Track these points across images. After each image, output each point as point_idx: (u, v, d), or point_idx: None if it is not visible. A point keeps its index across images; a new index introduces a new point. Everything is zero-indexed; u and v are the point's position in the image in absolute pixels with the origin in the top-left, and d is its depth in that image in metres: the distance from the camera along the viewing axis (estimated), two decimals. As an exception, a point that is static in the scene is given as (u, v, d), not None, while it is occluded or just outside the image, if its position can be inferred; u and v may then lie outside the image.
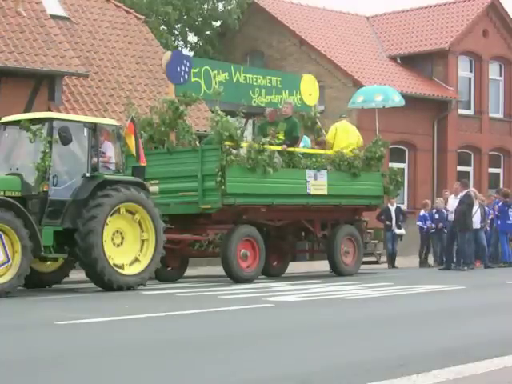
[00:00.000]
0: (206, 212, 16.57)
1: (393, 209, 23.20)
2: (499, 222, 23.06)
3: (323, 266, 20.73)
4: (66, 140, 13.91)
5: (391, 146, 27.48)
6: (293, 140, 17.94)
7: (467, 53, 33.00)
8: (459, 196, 21.85)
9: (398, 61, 32.81)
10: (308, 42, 31.43)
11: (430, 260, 23.54)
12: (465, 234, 21.06)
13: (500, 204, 23.25)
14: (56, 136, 13.90)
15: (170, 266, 17.79)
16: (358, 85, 28.21)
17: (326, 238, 18.99)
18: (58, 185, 14.04)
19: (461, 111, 32.59)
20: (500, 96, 34.30)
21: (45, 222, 13.87)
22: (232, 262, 16.42)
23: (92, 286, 14.85)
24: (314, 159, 18.02)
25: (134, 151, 15.15)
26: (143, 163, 15.26)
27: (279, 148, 17.54)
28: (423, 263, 23.56)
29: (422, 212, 23.89)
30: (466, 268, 21.08)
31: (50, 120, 14.22)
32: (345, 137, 18.89)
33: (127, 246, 14.63)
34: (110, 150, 14.99)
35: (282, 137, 17.76)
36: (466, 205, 20.91)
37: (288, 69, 30.63)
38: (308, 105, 19.79)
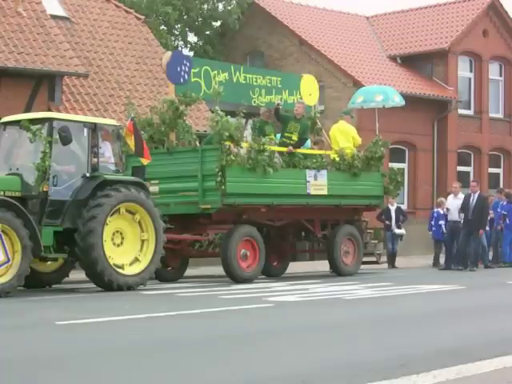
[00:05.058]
0: (206, 212, 16.58)
1: (393, 209, 23.15)
2: (508, 222, 22.97)
3: (323, 265, 20.72)
4: (66, 140, 13.91)
5: (391, 146, 27.44)
6: (302, 141, 17.99)
7: (467, 53, 33.00)
8: (458, 196, 21.83)
9: (398, 61, 32.81)
10: (308, 42, 31.43)
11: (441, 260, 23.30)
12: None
13: (505, 203, 23.17)
14: (56, 136, 13.90)
15: (170, 266, 17.79)
16: (358, 85, 28.20)
17: (326, 238, 18.99)
18: (58, 185, 14.04)
19: (461, 111, 32.58)
20: (500, 96, 34.29)
21: (45, 222, 13.86)
22: (232, 262, 16.42)
23: (92, 286, 14.84)
24: (314, 159, 18.02)
25: (134, 150, 15.16)
26: (148, 159, 15.26)
27: (284, 149, 17.55)
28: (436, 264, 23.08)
29: (441, 211, 23.31)
30: (475, 268, 21.12)
31: (50, 120, 14.22)
32: (335, 143, 18.90)
33: (127, 245, 14.63)
34: (110, 150, 14.99)
35: (295, 138, 17.76)
36: (486, 205, 21.26)
37: (288, 69, 30.61)
38: (308, 105, 19.78)
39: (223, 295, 13.51)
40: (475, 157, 33.35)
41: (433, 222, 23.07)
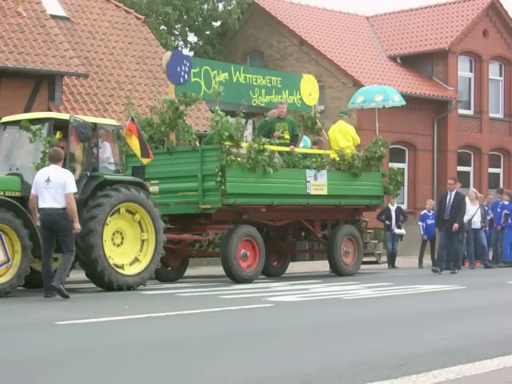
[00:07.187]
0: (206, 212, 16.58)
1: (393, 209, 23.16)
2: (510, 221, 22.93)
3: (323, 266, 20.72)
4: (84, 137, 13.95)
5: (391, 146, 27.49)
6: (295, 138, 18.02)
7: (467, 53, 33.01)
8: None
9: (398, 61, 32.83)
10: (308, 42, 31.44)
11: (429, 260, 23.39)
12: (461, 234, 20.90)
13: (506, 203, 23.11)
14: (72, 132, 13.93)
15: (169, 266, 17.79)
16: (358, 85, 28.22)
17: (326, 238, 18.99)
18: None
19: (461, 111, 32.60)
20: (500, 96, 34.32)
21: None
22: (232, 262, 16.42)
23: (92, 286, 14.85)
24: (314, 159, 18.02)
25: (135, 151, 15.15)
26: (151, 158, 15.28)
27: (287, 149, 17.54)
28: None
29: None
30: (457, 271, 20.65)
31: (50, 120, 14.22)
32: (334, 143, 18.88)
33: (127, 245, 14.63)
34: (110, 150, 14.99)
35: (287, 136, 17.76)
36: (463, 203, 20.13)
37: (288, 69, 30.65)
38: (308, 105, 19.80)
39: (223, 295, 13.50)
40: (475, 157, 33.37)
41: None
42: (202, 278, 18.83)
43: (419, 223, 23.35)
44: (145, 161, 15.30)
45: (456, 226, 19.64)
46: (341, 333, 8.90)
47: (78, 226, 12.95)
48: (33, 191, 13.15)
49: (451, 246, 19.91)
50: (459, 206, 19.88)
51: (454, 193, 19.99)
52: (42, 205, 12.94)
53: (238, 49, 33.47)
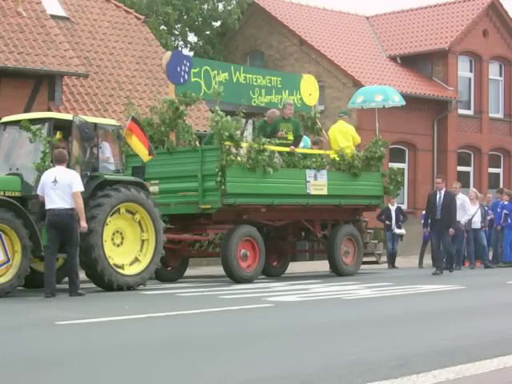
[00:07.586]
0: (206, 212, 16.58)
1: (393, 209, 23.17)
2: (509, 221, 22.92)
3: (323, 266, 20.71)
4: (88, 137, 13.97)
5: (391, 146, 27.50)
6: (298, 139, 18.04)
7: (467, 53, 33.02)
8: (458, 196, 21.65)
9: (398, 61, 32.83)
10: (308, 42, 31.45)
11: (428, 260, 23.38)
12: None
13: (506, 203, 23.10)
14: (77, 131, 13.96)
15: (169, 266, 17.79)
16: (358, 85, 28.22)
17: (326, 238, 18.99)
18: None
19: (461, 111, 32.61)
20: (500, 96, 34.32)
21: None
22: (232, 262, 16.42)
23: (92, 285, 14.85)
24: (314, 159, 18.02)
25: (136, 150, 15.16)
26: (154, 156, 15.30)
27: (287, 149, 17.54)
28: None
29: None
30: (455, 266, 20.57)
31: (50, 120, 14.22)
32: (334, 143, 18.86)
33: (127, 245, 14.63)
34: (110, 150, 14.99)
35: (291, 137, 17.77)
36: (454, 202, 19.67)
37: (288, 69, 30.66)
38: (308, 105, 19.80)
39: (223, 295, 13.50)
40: (475, 157, 33.38)
41: None
42: (202, 278, 18.83)
43: (422, 222, 23.21)
44: (146, 159, 15.31)
45: (452, 231, 19.41)
46: (341, 333, 8.90)
47: (84, 224, 13.12)
48: (39, 192, 13.32)
49: (444, 245, 19.61)
50: (450, 205, 19.45)
51: (443, 192, 19.52)
52: (49, 205, 13.10)
53: (238, 49, 33.48)
